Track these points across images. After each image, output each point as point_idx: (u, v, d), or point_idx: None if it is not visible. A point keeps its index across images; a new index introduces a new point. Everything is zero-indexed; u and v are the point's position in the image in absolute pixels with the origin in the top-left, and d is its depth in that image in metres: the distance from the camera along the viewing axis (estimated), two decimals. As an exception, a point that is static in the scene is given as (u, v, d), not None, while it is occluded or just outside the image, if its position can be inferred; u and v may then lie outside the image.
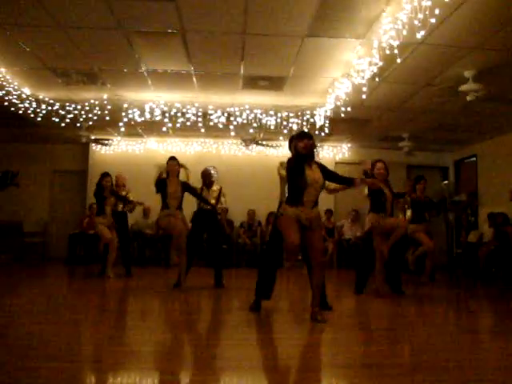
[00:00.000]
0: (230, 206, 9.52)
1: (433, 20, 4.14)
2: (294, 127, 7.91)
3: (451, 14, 4.40)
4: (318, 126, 7.89)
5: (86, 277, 7.01)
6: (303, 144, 4.00)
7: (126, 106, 7.55)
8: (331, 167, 9.03)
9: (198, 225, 6.30)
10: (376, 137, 9.60)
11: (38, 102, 7.35)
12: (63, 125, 8.07)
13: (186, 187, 5.94)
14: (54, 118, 7.76)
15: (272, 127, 8.04)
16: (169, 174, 5.85)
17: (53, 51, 5.67)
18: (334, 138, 9.58)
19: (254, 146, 9.88)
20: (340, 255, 9.84)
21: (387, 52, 4.85)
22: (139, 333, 3.72)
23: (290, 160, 4.09)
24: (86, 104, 7.51)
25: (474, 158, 10.11)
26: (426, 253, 6.81)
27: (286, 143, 4.35)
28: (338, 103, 6.76)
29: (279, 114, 7.85)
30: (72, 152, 10.66)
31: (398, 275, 5.84)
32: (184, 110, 7.70)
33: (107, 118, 7.77)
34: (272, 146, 9.97)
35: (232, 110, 7.74)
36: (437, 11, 4.07)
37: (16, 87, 6.77)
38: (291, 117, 7.85)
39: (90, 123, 8.13)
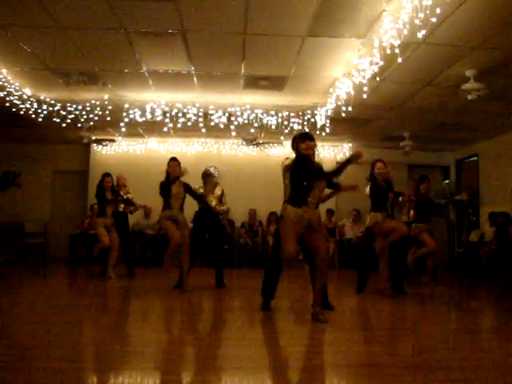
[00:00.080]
0: (230, 206, 9.56)
1: (434, 19, 4.14)
2: (295, 127, 7.91)
3: (452, 13, 4.39)
4: (318, 126, 7.89)
5: (87, 277, 7.01)
6: (305, 145, 4.00)
7: (126, 106, 7.56)
8: (332, 167, 8.91)
9: (200, 225, 6.30)
10: (377, 136, 9.59)
11: (39, 102, 7.36)
12: (64, 125, 8.09)
13: (188, 189, 5.94)
14: (55, 119, 7.77)
15: (273, 127, 8.04)
16: (169, 175, 5.86)
17: (54, 52, 5.67)
18: (335, 137, 9.57)
19: (255, 145, 9.88)
20: (341, 255, 9.83)
21: (388, 51, 4.85)
22: (140, 333, 3.72)
23: (289, 165, 4.10)
24: (87, 104, 7.52)
25: (476, 158, 10.10)
26: (428, 253, 6.80)
27: (287, 143, 4.36)
28: (339, 103, 6.75)
29: (280, 114, 7.85)
30: (73, 152, 10.68)
31: (399, 275, 5.83)
32: (185, 110, 7.71)
33: (108, 118, 7.79)
34: (273, 146, 9.97)
35: (233, 109, 7.74)
36: (438, 10, 4.07)
37: (17, 88, 6.78)
38: (292, 116, 7.85)
39: (91, 124, 8.14)
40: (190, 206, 6.41)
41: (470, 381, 2.56)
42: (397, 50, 4.75)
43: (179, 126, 8.16)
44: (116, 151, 10.32)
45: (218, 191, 6.55)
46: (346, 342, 3.47)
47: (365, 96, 6.22)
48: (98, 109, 7.56)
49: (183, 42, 5.35)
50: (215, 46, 5.48)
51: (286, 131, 8.07)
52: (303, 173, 3.99)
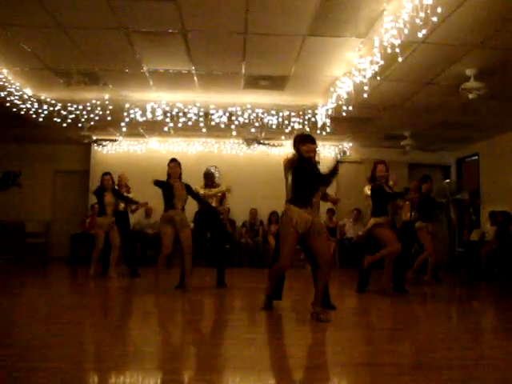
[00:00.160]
0: (231, 205, 9.57)
1: (434, 18, 4.13)
2: (296, 126, 7.91)
3: (452, 12, 4.39)
4: (319, 125, 7.89)
5: (88, 277, 7.01)
6: (307, 148, 3.99)
7: (127, 106, 7.56)
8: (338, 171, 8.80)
9: (201, 225, 6.30)
10: (378, 135, 9.58)
11: (40, 102, 7.36)
12: (65, 125, 8.10)
13: (189, 190, 5.95)
14: (55, 119, 7.78)
15: (274, 126, 8.04)
16: (170, 176, 5.86)
17: (54, 52, 5.68)
18: (336, 136, 9.57)
19: (256, 145, 9.88)
20: (342, 254, 9.82)
21: (389, 51, 4.84)
22: (141, 333, 3.72)
23: (292, 160, 4.06)
24: (88, 104, 7.52)
25: (476, 157, 10.09)
26: (426, 258, 6.80)
27: (288, 142, 4.35)
28: (340, 102, 6.75)
29: (281, 114, 7.85)
30: (74, 152, 10.69)
31: (401, 274, 5.83)
32: (185, 110, 7.71)
33: (109, 118, 7.79)
34: (274, 146, 9.97)
35: (233, 109, 7.74)
36: (439, 10, 4.06)
37: (18, 88, 6.78)
38: (293, 116, 7.84)
39: (92, 123, 8.14)
40: (191, 207, 6.41)
41: (470, 380, 2.56)
42: (397, 50, 4.75)
43: (180, 125, 8.16)
44: (117, 151, 10.32)
45: (222, 190, 6.53)
46: (347, 342, 3.47)
47: (365, 95, 6.21)
48: (99, 109, 7.56)
49: (184, 41, 5.35)
50: (216, 46, 5.47)
51: (287, 131, 8.07)
52: (308, 175, 3.98)
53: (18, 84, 6.72)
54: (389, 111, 7.78)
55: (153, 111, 7.62)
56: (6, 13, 4.66)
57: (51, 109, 7.52)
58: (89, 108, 7.58)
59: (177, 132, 9.36)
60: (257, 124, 8.02)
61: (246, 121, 7.91)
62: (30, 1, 4.40)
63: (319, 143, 10.25)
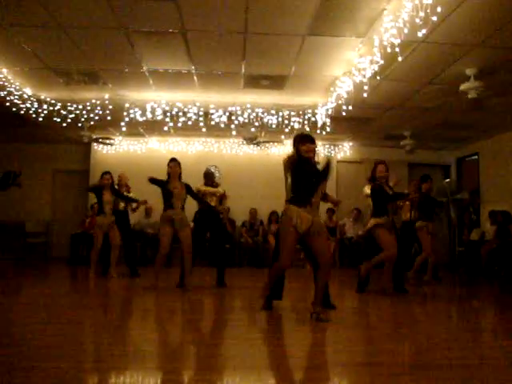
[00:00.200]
0: (231, 205, 9.57)
1: (434, 18, 4.13)
2: (296, 126, 7.91)
3: (452, 12, 4.39)
4: (319, 125, 7.89)
5: (88, 277, 7.01)
6: (306, 148, 3.99)
7: (127, 105, 7.56)
8: (333, 166, 8.92)
9: (201, 225, 6.30)
10: (378, 135, 9.58)
11: (40, 102, 7.36)
12: (65, 125, 8.10)
13: (188, 189, 5.95)
14: (55, 118, 7.78)
15: (273, 126, 8.04)
16: (170, 176, 5.86)
17: (54, 51, 5.68)
18: (336, 136, 9.57)
19: (256, 145, 9.88)
20: (342, 254, 9.83)
21: (388, 50, 4.84)
22: (141, 332, 3.72)
23: (292, 159, 4.05)
24: (88, 104, 7.52)
25: (476, 156, 10.10)
26: (424, 259, 6.79)
27: (288, 142, 4.35)
28: (340, 102, 6.75)
29: (280, 113, 7.85)
30: (74, 152, 10.70)
31: (401, 274, 5.83)
32: (185, 110, 7.71)
33: (109, 117, 7.80)
34: (273, 145, 9.97)
35: (233, 109, 7.74)
36: (438, 9, 4.06)
37: (17, 87, 6.78)
38: (292, 116, 7.85)
39: (92, 123, 8.14)
40: (192, 207, 6.41)
41: (470, 380, 2.56)
42: (397, 49, 4.75)
43: (180, 125, 8.16)
44: (116, 150, 10.33)
45: (219, 191, 6.52)
46: (348, 341, 3.47)
47: (365, 95, 6.21)
48: (99, 108, 7.57)
49: (183, 41, 5.35)
50: (215, 46, 5.48)
51: (287, 130, 8.07)
52: (308, 175, 3.98)
53: (17, 83, 6.72)
54: (389, 111, 7.78)
55: (153, 111, 7.62)
56: (7, 13, 4.66)
57: (51, 108, 7.52)
58: (88, 108, 7.58)
59: (177, 131, 9.36)
60: (257, 123, 8.02)
61: (246, 120, 7.91)
62: (30, 1, 4.40)
63: (319, 143, 10.31)
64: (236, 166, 10.19)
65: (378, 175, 5.59)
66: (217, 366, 2.82)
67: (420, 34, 4.48)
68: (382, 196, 5.52)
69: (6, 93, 6.74)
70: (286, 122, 7.93)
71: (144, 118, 7.79)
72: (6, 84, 6.52)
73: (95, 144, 10.14)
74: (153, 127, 8.90)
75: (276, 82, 6.69)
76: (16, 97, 6.93)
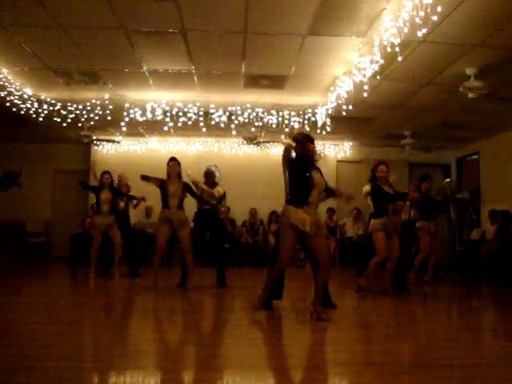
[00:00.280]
0: (231, 205, 9.56)
1: (434, 17, 4.13)
2: (296, 126, 7.91)
3: (452, 11, 4.39)
4: (319, 125, 7.89)
5: (89, 277, 7.00)
6: (306, 147, 4.02)
7: (127, 105, 7.56)
8: (333, 166, 9.01)
9: (201, 225, 6.29)
10: (378, 135, 9.58)
11: (40, 102, 7.36)
12: (65, 125, 8.10)
13: (188, 189, 5.94)
14: (55, 118, 7.78)
15: (273, 126, 8.04)
16: (170, 175, 5.87)
17: (54, 51, 5.68)
18: (336, 136, 9.57)
19: (256, 144, 9.88)
20: (342, 254, 9.83)
21: (388, 50, 4.84)
22: (142, 332, 3.72)
23: (288, 151, 4.05)
24: (88, 104, 7.52)
25: (476, 156, 10.09)
26: (423, 259, 6.78)
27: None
28: (340, 101, 6.75)
29: (280, 113, 7.85)
30: (74, 152, 10.70)
31: (401, 273, 5.83)
32: (185, 110, 7.71)
33: (109, 117, 7.79)
34: (273, 145, 9.97)
35: (233, 108, 7.74)
36: (439, 9, 4.06)
37: (18, 88, 6.78)
38: (293, 115, 7.85)
39: (92, 123, 8.14)
40: (192, 206, 6.41)
41: (470, 379, 2.56)
42: (397, 49, 4.75)
43: (180, 125, 8.17)
44: (117, 150, 10.33)
45: (219, 191, 6.50)
46: (348, 341, 3.48)
47: (365, 95, 6.21)
48: (99, 108, 7.57)
49: (183, 41, 5.34)
50: (216, 45, 5.47)
51: (287, 130, 8.07)
52: (303, 173, 3.98)
53: (17, 84, 6.72)
54: (389, 110, 7.78)
55: (153, 111, 7.62)
56: (6, 13, 4.66)
57: (51, 108, 7.52)
58: (89, 108, 7.59)
59: (177, 131, 9.36)
60: (257, 123, 8.02)
61: (246, 120, 7.91)
62: (30, 1, 4.40)
63: (319, 142, 10.28)
64: (236, 166, 10.18)
65: (378, 175, 5.58)
66: (217, 365, 2.82)
67: (420, 34, 4.47)
68: (382, 196, 5.52)
69: (6, 93, 6.74)
70: (286, 121, 7.93)
71: (144, 118, 7.79)
72: (6, 84, 6.52)
73: (95, 144, 10.13)
74: (153, 127, 8.90)
75: (276, 82, 6.68)
76: (16, 97, 6.93)
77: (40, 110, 7.49)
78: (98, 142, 9.81)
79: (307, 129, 7.78)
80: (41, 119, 7.77)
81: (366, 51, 5.32)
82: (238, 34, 5.16)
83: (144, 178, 5.85)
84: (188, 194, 6.00)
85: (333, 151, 10.49)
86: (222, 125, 8.05)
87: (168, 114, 7.73)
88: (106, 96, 7.25)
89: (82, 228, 9.64)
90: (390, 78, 6.24)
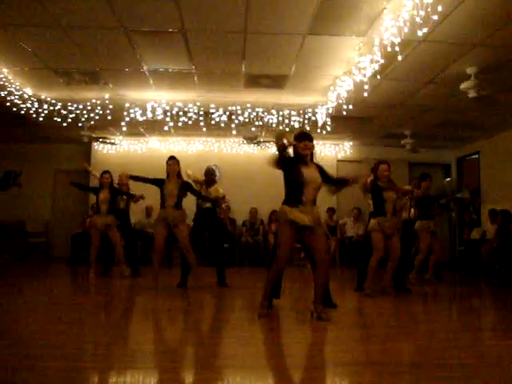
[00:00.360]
0: (232, 204, 9.57)
1: (435, 17, 4.13)
2: (296, 125, 7.91)
3: (453, 10, 4.38)
4: (319, 124, 7.89)
5: (89, 276, 7.00)
6: (303, 145, 4.04)
7: (127, 105, 7.56)
8: (333, 165, 8.98)
9: (199, 224, 6.29)
10: (378, 134, 9.58)
11: (40, 102, 7.36)
12: (65, 124, 8.10)
13: (187, 187, 5.93)
14: (55, 118, 7.78)
15: (274, 125, 8.03)
16: (169, 174, 5.87)
17: (54, 51, 5.68)
18: (336, 135, 9.57)
19: (256, 144, 9.88)
20: (342, 253, 9.83)
21: (389, 49, 4.84)
22: (142, 332, 3.72)
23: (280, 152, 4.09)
24: (88, 104, 7.52)
25: (477, 155, 10.09)
26: (422, 259, 6.75)
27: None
28: (340, 101, 6.75)
29: (281, 113, 7.85)
30: (74, 152, 10.68)
31: (402, 273, 5.83)
32: (186, 109, 7.71)
33: (109, 117, 7.80)
34: (274, 145, 9.95)
35: (234, 108, 7.74)
36: (439, 8, 4.06)
37: (18, 87, 6.78)
38: (293, 115, 7.85)
39: (92, 123, 8.14)
40: (191, 206, 6.41)
41: (470, 378, 2.56)
42: (397, 48, 4.75)
43: (180, 124, 8.17)
44: (117, 150, 10.34)
45: (219, 190, 6.50)
46: (348, 340, 3.48)
47: (365, 94, 6.21)
48: (99, 108, 7.57)
49: (184, 40, 5.34)
50: (216, 45, 5.47)
51: (287, 129, 8.07)
52: (296, 172, 4.01)
53: (18, 83, 6.72)
54: (389, 110, 7.78)
55: (153, 110, 7.62)
56: (7, 12, 4.66)
57: (51, 108, 7.52)
58: (89, 107, 7.59)
59: (177, 131, 9.36)
60: (257, 123, 8.02)
61: (247, 120, 7.91)
62: (31, 1, 4.40)
63: (319, 142, 10.28)
64: (236, 166, 10.18)
65: (380, 174, 5.57)
66: (217, 365, 2.82)
67: (420, 33, 4.47)
68: (378, 193, 5.50)
69: (6, 93, 6.74)
70: (287, 121, 7.93)
71: (144, 118, 7.79)
72: (6, 84, 6.53)
73: (95, 144, 10.14)
74: (153, 127, 8.90)
75: (276, 82, 6.68)
76: (16, 97, 6.93)
77: (40, 110, 7.49)
78: (100, 140, 9.80)
79: (307, 128, 7.78)
80: (41, 119, 7.78)
81: (367, 51, 5.32)
82: (238, 34, 5.16)
83: (133, 178, 5.99)
84: (189, 193, 6.00)
85: (333, 151, 10.49)
86: (223, 124, 8.05)
87: (168, 113, 7.73)
88: (107, 96, 7.25)
89: (82, 228, 9.64)
90: (391, 78, 6.23)
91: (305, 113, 7.80)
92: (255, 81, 6.69)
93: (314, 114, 7.76)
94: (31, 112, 7.53)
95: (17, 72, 6.38)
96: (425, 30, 4.42)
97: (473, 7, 4.33)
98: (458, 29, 4.78)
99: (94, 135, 9.43)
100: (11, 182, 9.53)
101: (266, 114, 7.84)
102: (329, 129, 8.09)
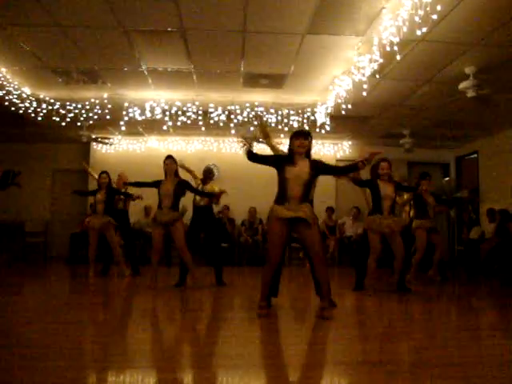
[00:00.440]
0: (230, 204, 9.56)
1: (434, 16, 4.13)
2: (295, 125, 7.91)
3: (452, 10, 4.39)
4: (318, 124, 7.89)
5: (88, 276, 7.00)
6: (299, 142, 4.07)
7: (126, 104, 7.55)
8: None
9: (195, 223, 6.29)
10: (377, 134, 9.58)
11: (39, 101, 7.35)
12: (64, 124, 8.09)
13: (184, 185, 5.92)
14: (54, 118, 7.77)
15: (273, 125, 8.03)
16: (166, 173, 5.88)
17: (53, 50, 5.67)
18: (335, 135, 9.56)
19: (256, 144, 9.85)
20: (341, 252, 9.84)
21: (387, 49, 4.84)
22: (140, 331, 3.72)
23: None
24: (87, 103, 7.51)
25: (476, 155, 10.10)
26: (420, 259, 6.74)
27: (287, 141, 4.36)
28: (339, 100, 6.75)
29: (280, 112, 7.84)
30: (73, 151, 10.68)
31: (402, 273, 5.83)
32: (184, 109, 7.70)
33: (108, 116, 7.79)
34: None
35: (232, 107, 7.73)
36: (438, 7, 4.06)
37: (16, 87, 6.77)
38: (292, 114, 7.84)
39: (91, 122, 8.14)
40: (190, 206, 6.40)
41: (470, 378, 2.56)
42: (396, 48, 4.75)
43: (179, 124, 8.16)
44: (116, 150, 10.32)
45: (214, 189, 6.48)
46: (347, 340, 3.48)
47: (364, 94, 6.21)
48: (98, 107, 7.56)
49: (182, 40, 5.34)
50: (215, 44, 5.47)
51: (286, 129, 8.07)
52: (279, 169, 4.12)
53: (16, 83, 6.71)
54: (388, 109, 7.78)
55: (152, 110, 7.61)
56: (5, 12, 4.65)
57: (50, 108, 7.51)
58: (88, 107, 7.57)
59: (176, 130, 9.35)
60: (256, 122, 8.01)
61: (245, 119, 7.91)
62: (29, 0, 4.39)
63: (318, 141, 10.28)
64: (235, 165, 10.15)
65: (381, 172, 5.56)
66: (215, 364, 2.83)
67: (419, 33, 4.48)
68: (378, 193, 5.50)
69: (4, 92, 6.73)
70: (286, 120, 7.92)
71: (143, 117, 7.78)
72: (4, 83, 6.51)
73: (94, 143, 10.14)
74: (152, 126, 8.89)
75: (275, 81, 6.68)
76: (15, 96, 6.92)
77: (39, 110, 7.48)
78: (98, 140, 9.79)
79: (306, 128, 7.78)
80: (40, 118, 7.77)
81: (365, 50, 5.32)
82: (237, 33, 5.16)
83: (130, 184, 6.23)
84: (187, 191, 6.01)
85: (332, 150, 10.49)
86: (221, 124, 8.05)
87: (167, 113, 7.73)
88: (105, 95, 7.25)
89: (81, 227, 9.63)
90: (390, 77, 6.24)
91: (304, 112, 7.79)
92: (254, 80, 6.68)
93: (313, 113, 7.76)
94: (30, 111, 7.51)
95: (15, 71, 6.37)
96: (424, 29, 4.43)
97: (471, 7, 4.34)
98: (456, 28, 4.78)
99: (92, 135, 9.41)
100: (10, 182, 9.51)
101: (264, 113, 7.83)
102: (328, 128, 8.09)
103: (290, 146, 4.16)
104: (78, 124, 8.21)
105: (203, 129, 8.46)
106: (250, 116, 7.84)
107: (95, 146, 10.30)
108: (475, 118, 8.13)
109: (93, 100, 7.42)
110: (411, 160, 10.50)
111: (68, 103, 7.56)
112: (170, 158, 5.96)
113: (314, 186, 4.74)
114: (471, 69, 5.75)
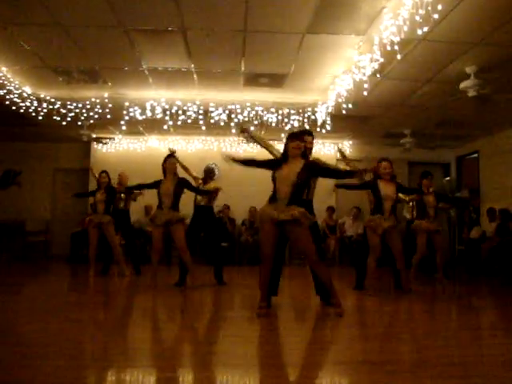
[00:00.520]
0: (231, 203, 9.56)
1: (435, 16, 4.13)
2: (296, 124, 7.90)
3: (453, 9, 4.38)
4: (319, 123, 7.88)
5: (88, 275, 7.00)
6: (295, 144, 4.07)
7: (127, 104, 7.55)
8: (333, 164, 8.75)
9: (195, 222, 6.29)
10: (378, 133, 9.57)
11: (39, 100, 7.35)
12: (64, 123, 8.08)
13: (184, 183, 5.92)
14: (55, 117, 7.76)
15: (273, 124, 8.03)
16: (165, 173, 5.88)
17: (53, 50, 5.67)
18: (336, 134, 9.55)
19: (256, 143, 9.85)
20: (342, 252, 9.84)
21: (388, 48, 4.84)
22: (140, 330, 3.73)
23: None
24: (87, 102, 7.51)
25: (476, 155, 10.09)
26: (419, 259, 6.72)
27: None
28: (340, 100, 6.74)
29: (280, 111, 7.84)
30: (73, 150, 10.69)
31: (401, 272, 5.83)
32: (185, 108, 7.69)
33: (108, 116, 7.79)
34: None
35: (233, 107, 7.73)
36: (439, 7, 4.06)
37: (17, 86, 6.77)
38: (292, 114, 7.84)
39: (91, 122, 8.13)
40: (190, 206, 6.40)
41: (470, 377, 2.56)
42: (397, 47, 4.74)
43: (179, 123, 8.16)
44: (116, 149, 10.33)
45: (212, 185, 6.48)
46: (347, 339, 3.48)
47: (365, 93, 6.21)
48: (98, 107, 7.56)
49: (183, 39, 5.34)
50: (215, 44, 5.46)
51: (287, 128, 8.06)
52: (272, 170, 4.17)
53: (17, 82, 6.71)
54: (389, 109, 7.77)
55: (152, 109, 7.61)
56: (6, 11, 4.65)
57: (50, 107, 7.51)
58: (88, 106, 7.57)
59: (176, 130, 9.35)
60: (256, 122, 8.01)
61: (246, 118, 7.90)
62: (29, -1, 4.40)
63: (319, 141, 10.25)
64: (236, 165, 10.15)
65: (382, 171, 5.54)
66: (215, 363, 2.82)
67: (420, 32, 4.47)
68: (379, 193, 5.50)
69: (5, 91, 6.73)
70: (286, 120, 7.92)
71: (144, 117, 7.78)
72: (5, 82, 6.51)
73: (95, 143, 10.14)
74: (152, 126, 8.89)
75: (276, 80, 6.68)
76: (15, 95, 6.92)
77: (39, 109, 7.48)
78: (99, 140, 9.80)
79: (307, 127, 7.77)
80: (40, 118, 7.76)
81: (366, 49, 5.31)
82: (237, 33, 5.16)
83: (129, 188, 6.45)
84: (186, 190, 6.01)
85: (332, 150, 10.48)
86: (222, 123, 8.04)
87: (167, 112, 7.72)
88: (106, 94, 7.25)
89: (82, 226, 9.62)
90: (390, 77, 6.23)
91: (304, 112, 7.79)
92: (255, 79, 6.68)
93: (314, 112, 7.75)
94: (30, 111, 7.51)
95: (16, 71, 6.37)
96: (425, 28, 4.42)
97: (472, 6, 4.33)
98: (457, 28, 4.77)
99: (93, 135, 9.42)
100: (11, 181, 9.51)
101: (265, 112, 7.83)
102: (328, 128, 8.08)
103: (284, 147, 4.17)
104: (79, 123, 8.21)
105: (204, 128, 8.46)
106: (251, 115, 7.84)
107: (96, 146, 10.30)
108: (476, 118, 8.12)
109: (93, 99, 7.42)
110: (412, 160, 10.49)
111: (68, 102, 7.56)
112: (171, 156, 5.97)
113: (314, 186, 4.74)
114: (472, 68, 5.75)
